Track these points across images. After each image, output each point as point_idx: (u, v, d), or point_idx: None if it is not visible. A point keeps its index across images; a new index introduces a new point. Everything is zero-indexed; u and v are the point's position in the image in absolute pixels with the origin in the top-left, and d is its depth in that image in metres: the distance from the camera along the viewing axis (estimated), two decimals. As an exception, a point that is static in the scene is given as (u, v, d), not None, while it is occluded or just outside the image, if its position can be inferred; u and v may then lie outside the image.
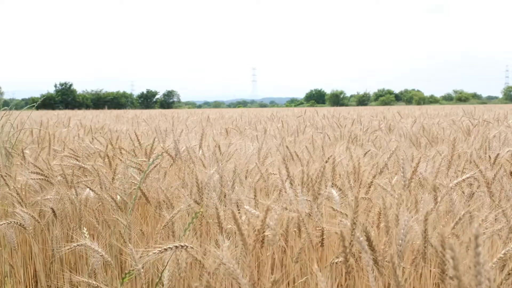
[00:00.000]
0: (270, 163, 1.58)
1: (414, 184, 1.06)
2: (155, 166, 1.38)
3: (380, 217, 0.83)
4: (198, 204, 1.10)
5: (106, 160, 1.59)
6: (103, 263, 0.98)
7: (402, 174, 1.01)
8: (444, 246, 0.50)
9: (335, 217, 0.93)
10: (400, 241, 0.63)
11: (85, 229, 1.08)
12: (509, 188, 1.13)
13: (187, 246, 0.74)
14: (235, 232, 0.71)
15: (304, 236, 0.88)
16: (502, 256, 0.65)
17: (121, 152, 1.75)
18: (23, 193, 1.44)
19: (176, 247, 0.74)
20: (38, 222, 1.27)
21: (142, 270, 0.80)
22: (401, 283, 0.51)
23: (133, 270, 0.81)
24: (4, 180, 1.43)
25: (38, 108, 2.56)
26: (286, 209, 0.92)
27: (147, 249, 0.74)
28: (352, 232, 0.66)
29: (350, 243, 0.66)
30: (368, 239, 0.63)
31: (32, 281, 1.49)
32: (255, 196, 1.01)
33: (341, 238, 0.65)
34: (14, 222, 1.21)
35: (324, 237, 0.89)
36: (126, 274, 0.85)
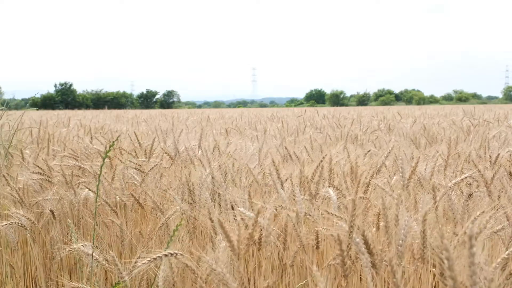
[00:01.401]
0: (269, 163, 1.58)
1: (413, 184, 1.06)
2: (152, 168, 1.38)
3: (379, 218, 0.82)
4: (191, 204, 1.10)
5: (107, 160, 1.58)
6: (101, 267, 0.98)
7: (401, 174, 1.01)
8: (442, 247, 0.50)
9: (331, 219, 0.93)
10: (400, 241, 0.63)
11: (74, 229, 1.07)
12: (509, 188, 1.13)
13: (176, 254, 0.73)
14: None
15: (299, 239, 0.88)
16: (506, 256, 0.65)
17: (121, 153, 1.74)
18: (24, 193, 1.43)
19: (166, 255, 0.73)
20: (35, 224, 1.27)
21: (133, 278, 0.80)
22: (400, 286, 0.51)
23: (121, 282, 0.80)
24: (6, 180, 1.43)
25: (38, 108, 2.56)
26: (282, 208, 0.92)
27: (141, 256, 0.74)
28: (349, 235, 0.66)
29: (347, 246, 0.66)
30: (366, 242, 0.63)
31: (32, 282, 1.49)
32: (249, 196, 1.01)
33: (338, 241, 0.65)
34: (15, 223, 1.21)
35: (319, 239, 0.89)
36: (115, 284, 0.84)
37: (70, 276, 1.45)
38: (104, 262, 0.94)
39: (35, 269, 1.46)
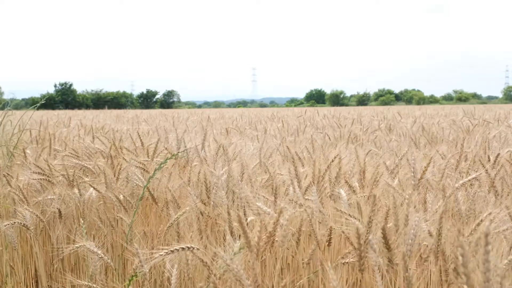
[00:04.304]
0: (270, 163, 1.59)
1: (420, 184, 1.06)
2: (160, 167, 1.38)
3: (387, 217, 0.83)
4: (204, 204, 1.10)
5: (109, 160, 1.58)
6: (104, 265, 0.98)
7: (412, 174, 1.02)
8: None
9: (341, 217, 0.93)
10: (410, 240, 0.64)
11: (84, 227, 1.08)
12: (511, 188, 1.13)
13: (193, 248, 0.73)
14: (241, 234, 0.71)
15: (317, 238, 0.88)
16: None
17: (122, 152, 1.75)
18: (26, 192, 1.44)
19: (183, 248, 0.73)
20: (42, 221, 1.27)
21: (147, 272, 0.80)
22: (412, 281, 0.51)
23: (139, 272, 0.80)
24: (7, 179, 1.43)
25: (38, 108, 2.55)
26: (300, 205, 0.92)
27: (152, 250, 0.74)
28: (367, 230, 0.66)
29: (365, 242, 0.66)
30: (385, 237, 0.63)
31: (33, 281, 1.49)
32: (275, 196, 1.01)
33: (356, 236, 0.65)
34: (18, 222, 1.21)
35: (332, 236, 0.89)
36: (132, 276, 0.84)
37: (72, 275, 1.45)
38: (109, 261, 0.95)
39: (35, 268, 1.46)
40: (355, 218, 0.74)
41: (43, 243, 1.49)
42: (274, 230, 0.71)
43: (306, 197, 1.01)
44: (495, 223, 0.74)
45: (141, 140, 1.77)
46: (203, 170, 1.14)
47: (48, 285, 1.46)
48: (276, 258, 0.92)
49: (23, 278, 1.45)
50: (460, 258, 0.40)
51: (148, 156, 1.62)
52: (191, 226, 1.06)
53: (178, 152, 1.13)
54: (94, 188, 1.31)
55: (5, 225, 1.18)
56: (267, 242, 0.67)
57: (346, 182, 1.08)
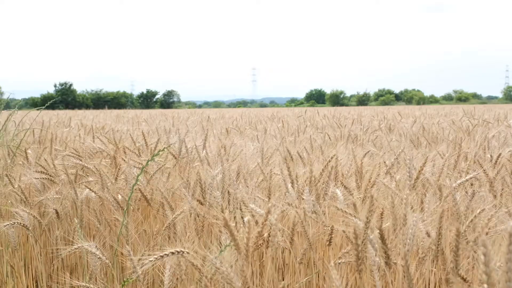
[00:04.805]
0: (271, 163, 1.59)
1: (417, 184, 1.07)
2: (159, 168, 1.38)
3: (382, 217, 0.83)
4: (202, 204, 1.10)
5: (110, 160, 1.59)
6: (103, 265, 0.98)
7: (408, 174, 1.02)
8: (458, 244, 0.51)
9: (339, 217, 0.93)
10: (408, 240, 0.64)
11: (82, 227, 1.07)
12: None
13: (183, 252, 0.73)
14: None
15: (309, 238, 0.88)
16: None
17: (124, 152, 1.75)
18: (28, 192, 1.44)
19: (172, 253, 0.73)
20: (40, 222, 1.28)
21: (141, 275, 0.80)
22: (413, 281, 0.52)
23: (131, 277, 0.80)
24: (9, 179, 1.44)
25: (38, 108, 2.56)
26: (291, 205, 0.92)
27: (144, 256, 0.74)
28: (365, 230, 0.66)
29: (362, 242, 0.66)
30: (382, 237, 0.63)
31: (33, 281, 1.49)
32: (269, 196, 1.01)
33: (354, 236, 0.66)
34: (18, 223, 1.21)
35: (332, 235, 0.90)
36: (124, 281, 0.85)
37: (71, 276, 1.45)
38: (107, 261, 0.95)
39: (35, 269, 1.47)
40: (355, 217, 0.74)
41: (43, 244, 1.49)
42: (263, 230, 0.72)
43: (302, 197, 1.01)
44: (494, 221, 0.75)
45: (145, 139, 1.77)
46: (200, 170, 1.14)
47: (48, 286, 1.46)
48: (273, 259, 0.92)
49: (24, 278, 1.45)
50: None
51: (150, 155, 1.62)
52: (186, 228, 1.06)
53: (165, 148, 1.12)
54: (90, 189, 1.31)
55: (4, 225, 1.19)
56: (257, 243, 0.67)
57: (342, 183, 1.08)
